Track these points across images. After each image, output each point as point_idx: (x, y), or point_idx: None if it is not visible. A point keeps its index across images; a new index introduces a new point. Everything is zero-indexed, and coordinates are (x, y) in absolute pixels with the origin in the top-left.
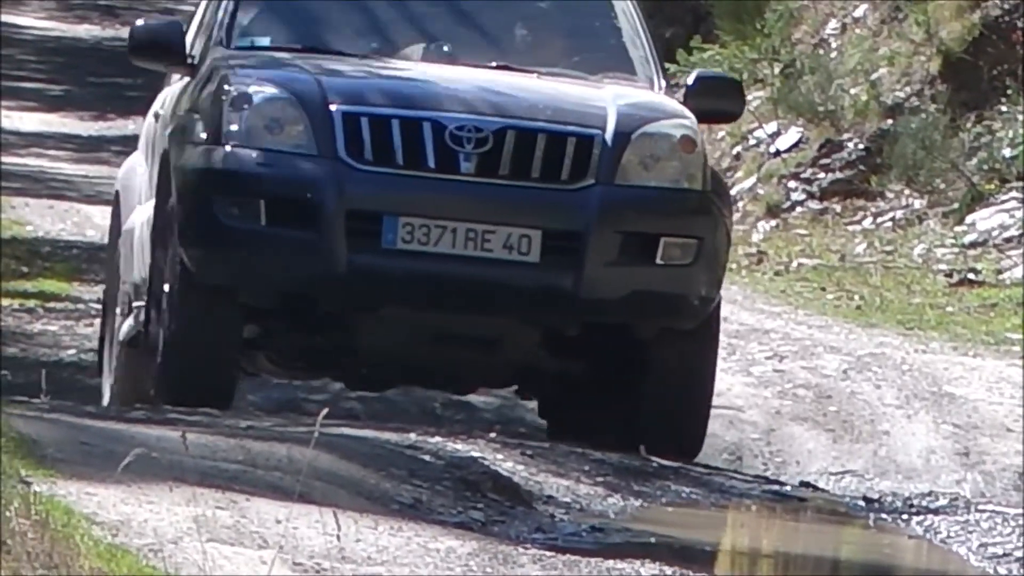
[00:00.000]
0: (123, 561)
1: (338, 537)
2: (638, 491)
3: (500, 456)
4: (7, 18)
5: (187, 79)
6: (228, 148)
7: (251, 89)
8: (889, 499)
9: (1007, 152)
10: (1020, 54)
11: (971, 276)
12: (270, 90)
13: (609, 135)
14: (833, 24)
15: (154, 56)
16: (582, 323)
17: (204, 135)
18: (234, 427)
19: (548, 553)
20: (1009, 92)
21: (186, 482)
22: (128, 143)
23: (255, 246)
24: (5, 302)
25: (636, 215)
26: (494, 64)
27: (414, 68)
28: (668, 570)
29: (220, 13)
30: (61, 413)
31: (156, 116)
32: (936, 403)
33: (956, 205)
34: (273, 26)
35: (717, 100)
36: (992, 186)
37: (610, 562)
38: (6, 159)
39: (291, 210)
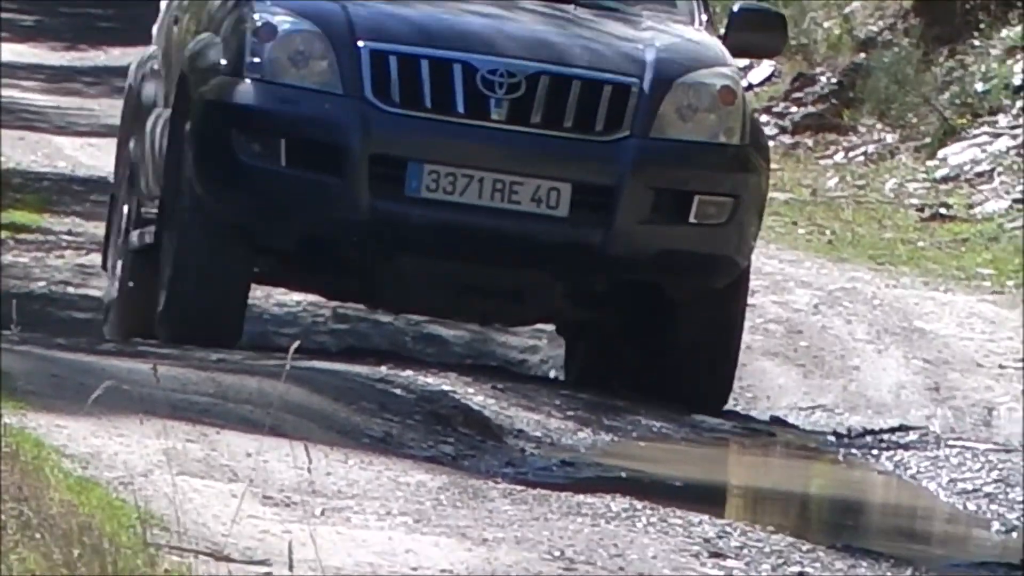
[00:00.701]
0: (93, 494)
1: (309, 470)
2: (608, 426)
3: (471, 390)
4: None
5: None
6: (249, 82)
7: (276, 19)
8: (859, 434)
9: (979, 87)
10: None
11: (942, 211)
12: (296, 21)
13: (647, 84)
14: None
15: None
16: (610, 280)
17: (224, 63)
18: (205, 360)
19: (518, 487)
20: (982, 26)
21: (156, 415)
22: (100, 74)
23: (273, 186)
24: None
25: (671, 171)
26: None
27: (449, 1)
28: (639, 504)
29: None
30: (31, 345)
31: (175, 19)
32: (907, 338)
33: (928, 140)
34: None
35: (758, 35)
36: (964, 121)
37: (580, 496)
38: None
39: (312, 151)
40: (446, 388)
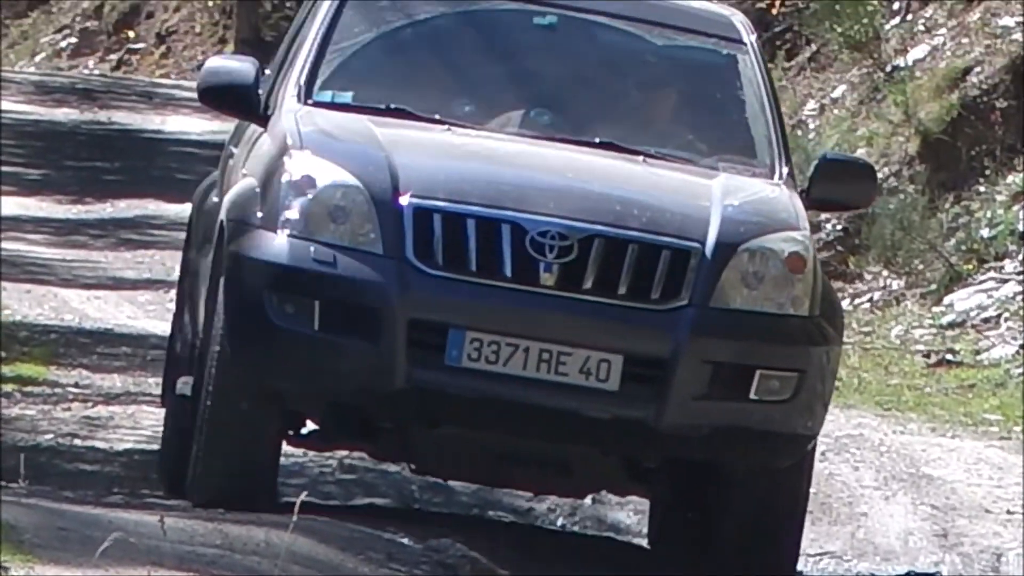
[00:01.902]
0: None
1: None
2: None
3: (477, 540)
4: None
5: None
6: (284, 238)
7: (316, 170)
8: None
9: (985, 232)
10: (998, 134)
11: (949, 357)
12: (337, 174)
13: (709, 248)
14: (812, 105)
15: (223, 101)
16: (662, 457)
17: (260, 216)
18: (212, 511)
19: None
20: (987, 172)
21: (164, 567)
22: (106, 226)
23: (306, 351)
24: None
25: (731, 344)
26: (597, 140)
27: (505, 146)
28: None
29: (302, 59)
30: (39, 498)
31: (231, 154)
32: (914, 484)
33: (934, 286)
34: (358, 80)
35: (845, 187)
36: (970, 266)
37: None
38: None
39: (348, 315)
40: (453, 539)
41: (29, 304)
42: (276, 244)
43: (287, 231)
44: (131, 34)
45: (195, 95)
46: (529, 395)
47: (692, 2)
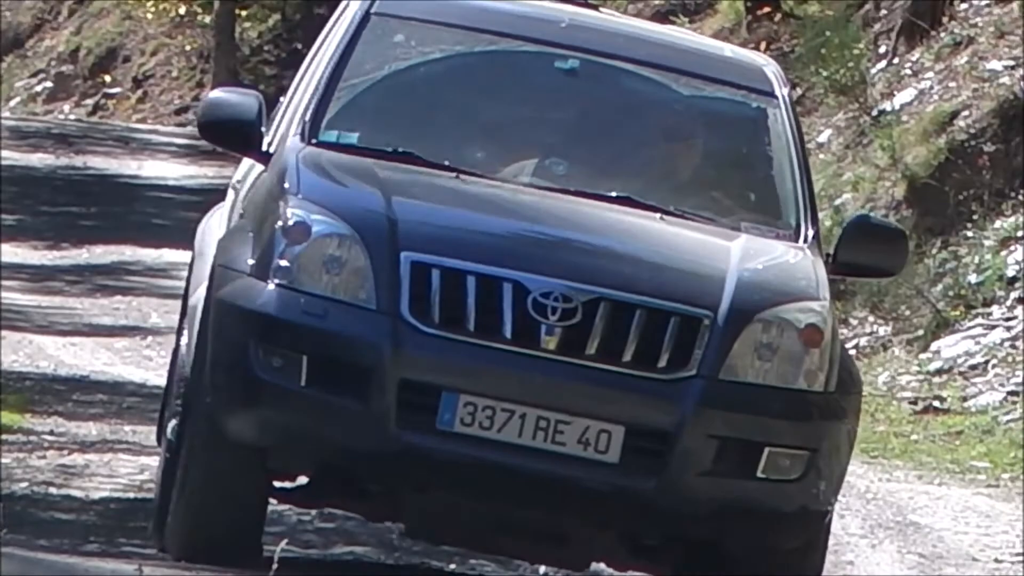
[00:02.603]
0: None
1: None
2: None
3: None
4: None
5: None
6: (273, 287)
7: (311, 218)
8: None
9: (973, 278)
10: (986, 179)
11: (936, 404)
12: (332, 223)
13: (722, 316)
14: None
15: (224, 136)
16: (662, 534)
17: (251, 262)
18: (188, 563)
19: None
20: (975, 217)
21: None
22: (82, 272)
23: (291, 408)
24: None
25: (738, 420)
26: (613, 194)
27: (514, 197)
28: None
29: (309, 95)
30: (14, 547)
31: (234, 189)
32: (901, 532)
33: (921, 332)
34: (366, 120)
35: (874, 252)
36: (958, 312)
37: None
38: None
39: (337, 372)
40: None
41: (4, 351)
42: (265, 293)
43: (277, 280)
44: (107, 78)
45: (171, 140)
46: (523, 463)
47: (723, 48)
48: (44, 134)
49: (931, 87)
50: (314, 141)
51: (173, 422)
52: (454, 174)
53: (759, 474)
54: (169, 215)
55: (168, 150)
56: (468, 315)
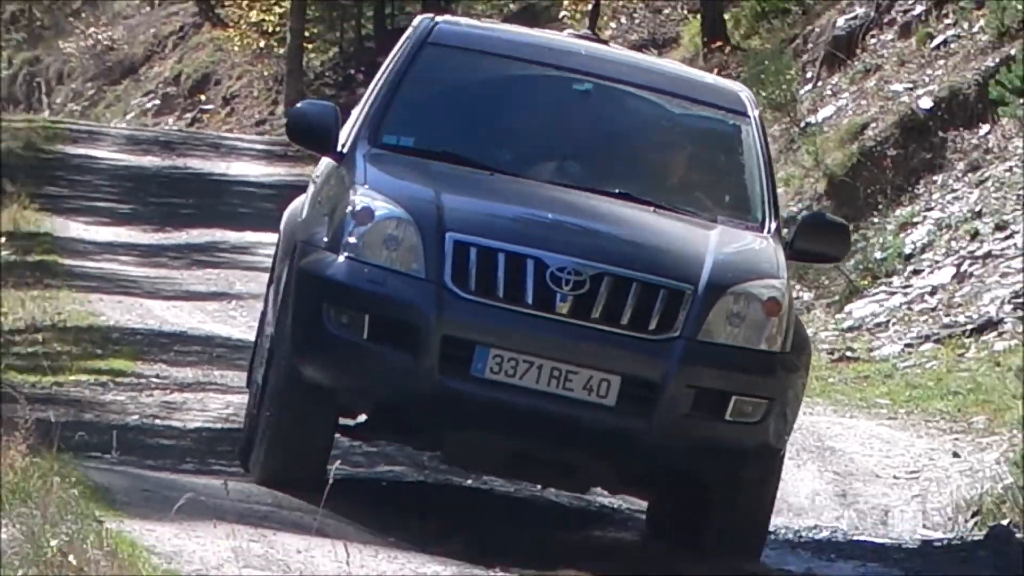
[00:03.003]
0: None
1: (347, 563)
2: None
3: (474, 494)
4: (87, 151)
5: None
6: (343, 259)
7: (374, 204)
8: (782, 531)
9: (878, 255)
10: (889, 177)
11: (848, 354)
12: (391, 209)
13: (700, 289)
14: None
15: (306, 140)
16: (649, 466)
17: (326, 239)
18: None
19: (514, 572)
20: (880, 207)
21: (226, 520)
22: (181, 252)
23: (355, 357)
24: (83, 377)
25: (711, 373)
26: (616, 191)
27: (537, 194)
28: None
29: (376, 107)
30: (127, 466)
31: (313, 182)
32: (820, 455)
33: (837, 297)
34: (419, 128)
35: (823, 242)
36: (866, 282)
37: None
38: (84, 263)
39: (392, 328)
40: (453, 480)
41: (120, 312)
42: (336, 264)
43: (346, 254)
44: (202, 97)
45: (252, 145)
46: (539, 405)
47: (706, 77)
48: (152, 141)
49: (846, 104)
50: (378, 143)
51: (261, 369)
52: (489, 172)
53: (727, 417)
54: (250, 205)
55: (250, 153)
56: (498, 284)
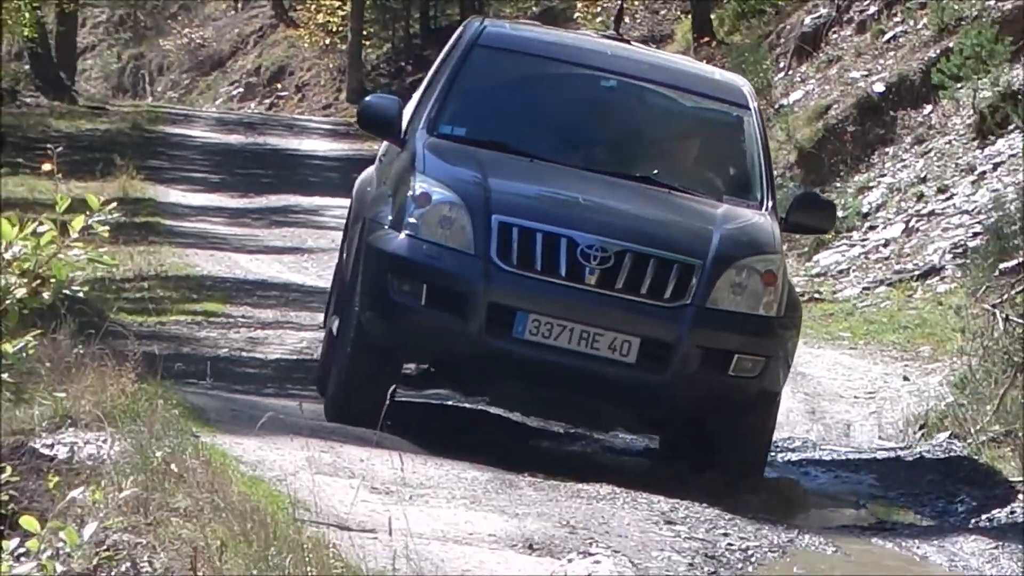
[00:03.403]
0: (259, 487)
1: (402, 470)
2: (598, 437)
3: (506, 413)
4: (183, 131)
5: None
6: (405, 237)
7: (432, 189)
8: None
9: (840, 213)
10: (849, 149)
11: (816, 296)
12: (446, 193)
13: (708, 263)
14: None
15: (375, 128)
16: (663, 413)
17: (390, 218)
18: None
19: (539, 479)
20: (842, 174)
21: (301, 435)
22: (262, 214)
23: (414, 320)
24: (180, 317)
25: (717, 335)
26: (637, 175)
27: (569, 179)
28: (618, 489)
29: (432, 100)
30: (218, 391)
31: (380, 160)
32: (793, 379)
33: (807, 248)
34: (470, 120)
35: (813, 216)
36: (830, 236)
37: (580, 484)
38: (182, 224)
39: (446, 296)
40: (491, 411)
41: (212, 263)
42: (399, 240)
43: (407, 232)
44: (279, 86)
45: (320, 126)
46: (571, 361)
47: (714, 72)
48: (237, 123)
49: (813, 89)
50: (435, 132)
51: (336, 320)
52: (529, 159)
53: (731, 372)
54: (319, 175)
55: (318, 132)
56: (536, 259)
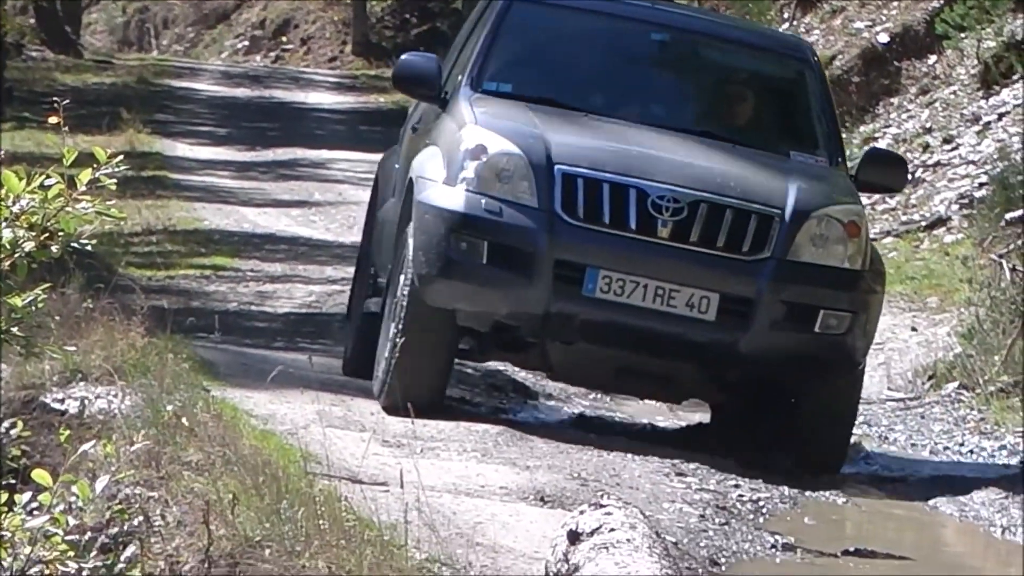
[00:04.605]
0: (270, 441)
1: (412, 423)
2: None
3: (518, 371)
4: (189, 84)
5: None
6: (461, 191)
7: (487, 141)
8: None
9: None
10: (854, 100)
11: None
12: (504, 144)
13: (787, 214)
14: None
15: (412, 88)
16: (744, 374)
17: (444, 173)
18: (342, 352)
19: (546, 431)
20: (847, 124)
21: (311, 388)
22: (269, 167)
23: (475, 280)
24: (190, 271)
25: (802, 289)
26: (699, 129)
27: (629, 131)
28: (629, 443)
29: (474, 57)
30: (228, 344)
31: (414, 129)
32: None
33: None
34: (516, 74)
35: (884, 173)
36: None
37: (590, 436)
38: (189, 177)
39: (509, 254)
40: (500, 368)
41: (220, 217)
42: (455, 196)
43: (463, 187)
44: (284, 39)
45: (325, 79)
46: (646, 321)
47: (767, 29)
48: (243, 76)
49: (817, 40)
50: (480, 89)
51: (373, 300)
52: (583, 113)
53: (816, 329)
54: (325, 128)
55: (324, 85)
56: (604, 212)
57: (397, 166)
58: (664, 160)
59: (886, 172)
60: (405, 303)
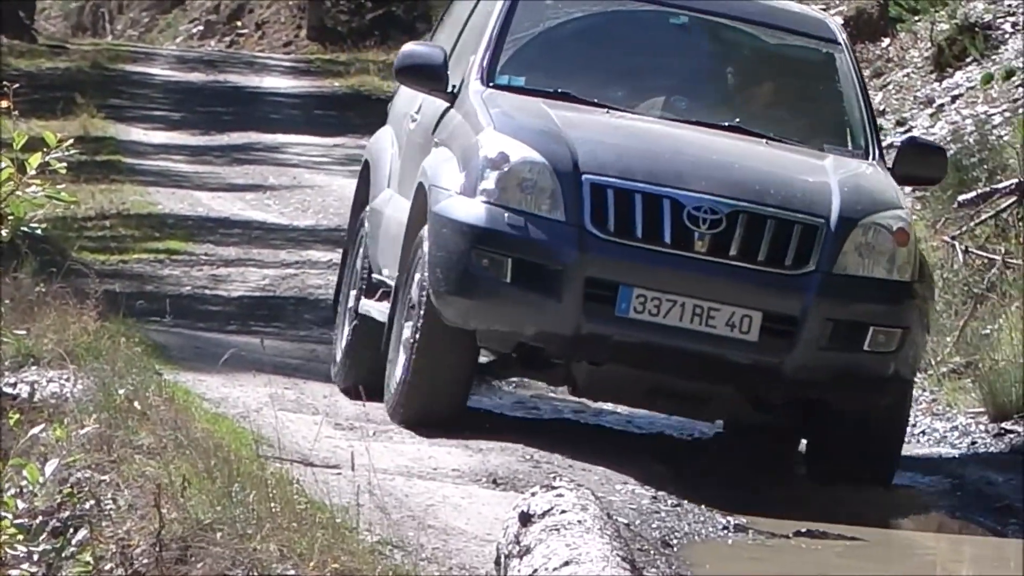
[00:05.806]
0: (223, 424)
1: (364, 406)
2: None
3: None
4: (144, 69)
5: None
6: (482, 203)
7: (509, 149)
8: None
9: None
10: None
11: None
12: (527, 152)
13: (833, 223)
14: None
15: (416, 79)
16: (788, 396)
17: (461, 183)
18: (295, 335)
19: (500, 413)
20: None
21: (264, 372)
22: (223, 151)
23: (497, 299)
24: (143, 256)
25: (850, 305)
26: (726, 124)
27: (655, 129)
28: (580, 426)
29: (483, 48)
30: (181, 328)
31: (413, 119)
32: None
33: None
34: (529, 66)
35: (924, 164)
36: None
37: (542, 421)
38: (143, 162)
39: (535, 272)
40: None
41: (174, 201)
42: (476, 209)
43: (484, 198)
44: (239, 23)
45: (280, 63)
46: (684, 342)
47: (793, 7)
48: (198, 60)
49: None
50: (492, 84)
51: (373, 303)
52: (603, 109)
53: (865, 348)
54: (280, 112)
55: (278, 70)
56: (636, 225)
57: (393, 154)
58: (697, 163)
59: (926, 163)
60: (420, 322)
